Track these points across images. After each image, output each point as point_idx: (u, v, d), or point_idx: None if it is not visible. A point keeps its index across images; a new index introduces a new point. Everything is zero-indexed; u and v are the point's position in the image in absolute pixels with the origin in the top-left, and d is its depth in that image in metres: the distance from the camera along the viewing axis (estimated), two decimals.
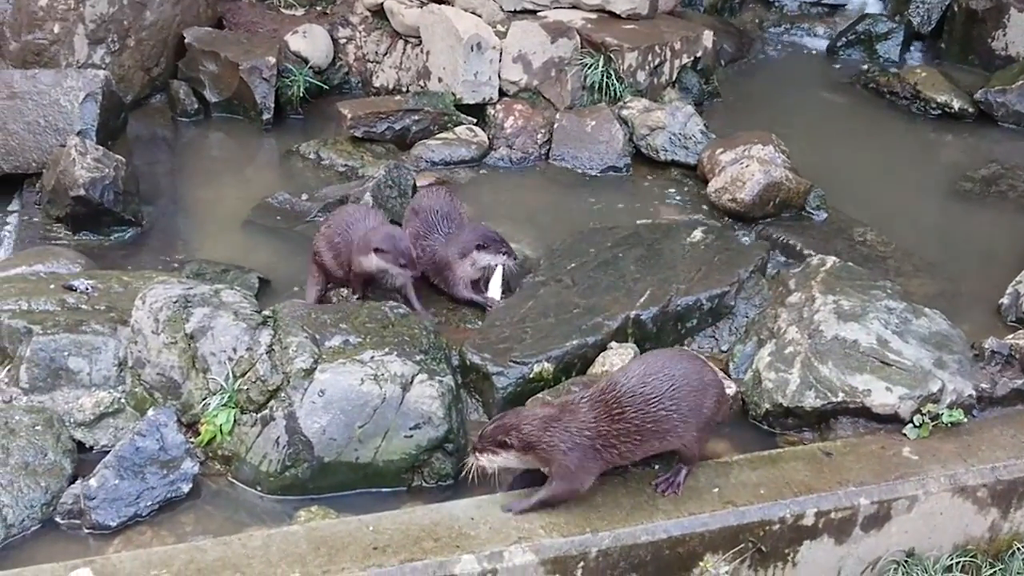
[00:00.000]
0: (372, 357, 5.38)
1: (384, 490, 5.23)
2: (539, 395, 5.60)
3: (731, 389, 5.74)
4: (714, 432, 5.10)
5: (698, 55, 9.49)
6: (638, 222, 7.35)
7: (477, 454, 4.75)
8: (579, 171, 8.36)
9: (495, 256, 6.52)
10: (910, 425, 5.49)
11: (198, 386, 5.44)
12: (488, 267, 6.55)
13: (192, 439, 5.33)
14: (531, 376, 5.73)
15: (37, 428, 5.26)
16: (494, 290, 6.54)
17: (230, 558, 4.42)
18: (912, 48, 10.99)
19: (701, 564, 4.82)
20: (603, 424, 4.65)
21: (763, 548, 4.92)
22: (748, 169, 7.56)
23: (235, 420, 5.32)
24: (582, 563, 4.66)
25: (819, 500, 5.00)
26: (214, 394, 5.38)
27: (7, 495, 4.96)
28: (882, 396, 5.52)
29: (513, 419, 4.72)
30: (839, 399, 5.58)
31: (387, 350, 5.45)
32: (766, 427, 5.77)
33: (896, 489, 5.13)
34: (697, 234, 6.83)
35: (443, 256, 6.53)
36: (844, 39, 11.02)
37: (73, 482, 5.13)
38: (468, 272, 6.55)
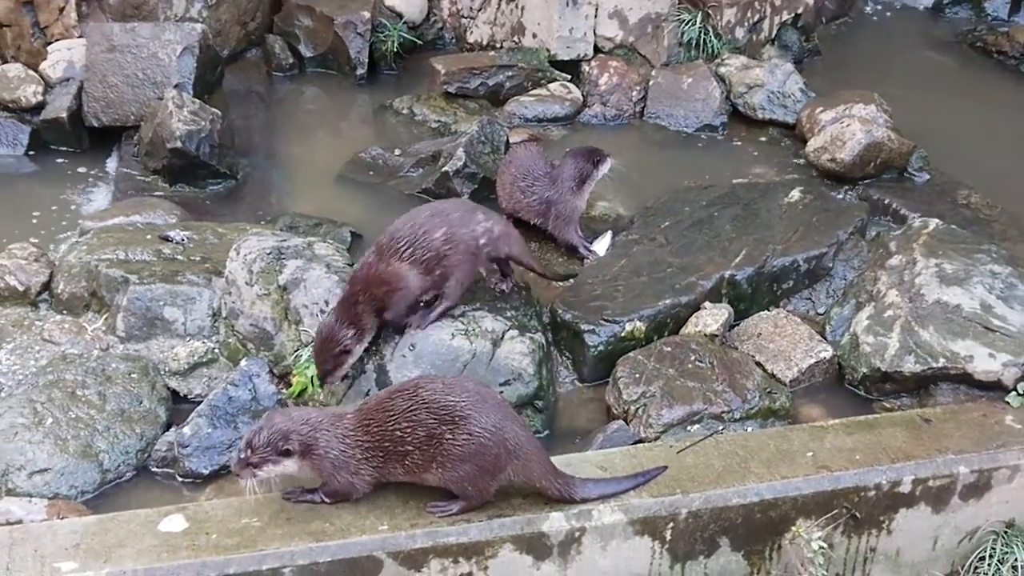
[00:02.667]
0: (463, 312, 5.37)
1: None
2: (630, 353, 5.56)
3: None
4: (489, 481, 4.47)
5: (799, 11, 9.27)
6: (734, 181, 7.23)
7: (254, 470, 4.34)
8: (674, 129, 8.24)
9: (608, 161, 6.55)
10: (1013, 393, 5.34)
11: (290, 337, 5.47)
12: (606, 175, 6.59)
13: (283, 390, 5.37)
14: (623, 335, 5.68)
15: (133, 376, 5.35)
16: (601, 246, 6.51)
17: (319, 510, 4.45)
18: (1023, 5, 10.60)
19: (793, 529, 4.75)
20: (360, 434, 4.40)
21: (857, 514, 4.83)
22: (849, 128, 7.38)
23: None
24: (671, 524, 4.62)
25: (917, 467, 4.89)
26: (306, 346, 5.40)
27: (103, 440, 5.06)
28: (984, 362, 5.38)
29: (284, 421, 4.38)
30: (939, 365, 5.45)
31: (478, 305, 5.44)
32: (862, 392, 5.66)
33: (997, 458, 4.99)
34: (795, 194, 6.70)
35: (553, 194, 6.50)
36: None
37: (167, 430, 5.23)
38: (584, 200, 6.55)
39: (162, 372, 5.48)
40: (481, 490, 4.43)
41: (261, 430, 4.31)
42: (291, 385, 5.37)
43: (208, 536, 4.33)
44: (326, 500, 4.47)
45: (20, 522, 4.55)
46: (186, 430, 5.09)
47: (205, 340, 5.61)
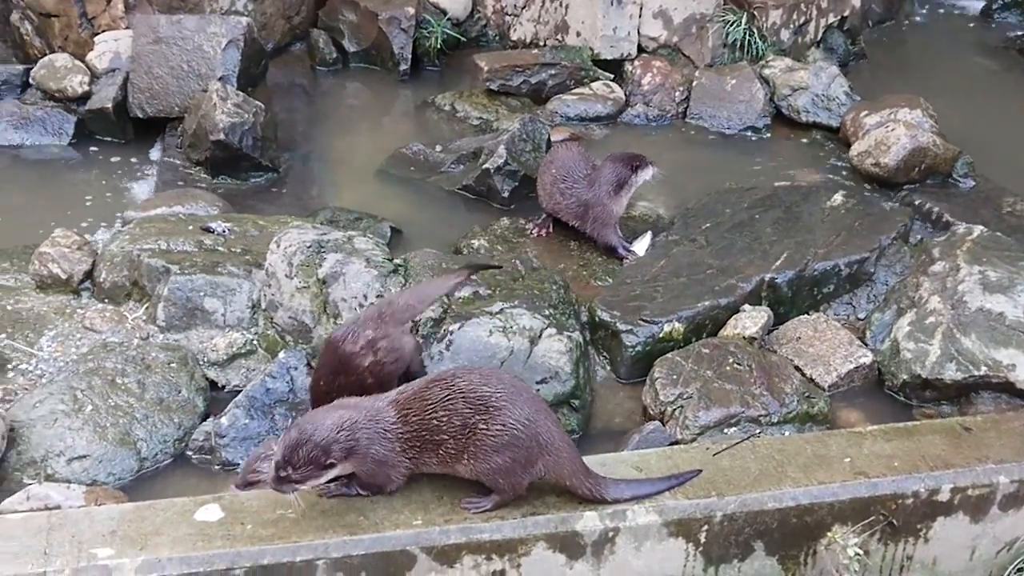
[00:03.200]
0: (501, 309, 5.38)
1: None
2: (668, 355, 5.54)
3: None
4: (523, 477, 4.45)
5: (845, 14, 9.21)
6: (776, 184, 7.20)
7: (295, 486, 4.26)
8: (717, 130, 8.22)
9: (649, 168, 6.51)
10: None
11: (328, 331, 5.48)
12: (648, 181, 6.57)
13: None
14: (661, 336, 5.67)
15: (172, 365, 5.40)
16: (641, 246, 6.51)
17: (354, 502, 4.46)
18: None
19: (829, 535, 4.71)
20: (401, 426, 4.39)
21: (895, 522, 4.78)
22: (893, 133, 7.32)
23: None
24: (706, 527, 4.59)
25: (956, 476, 4.83)
26: None
27: (142, 429, 5.10)
28: None
29: (321, 432, 4.28)
30: (981, 373, 5.39)
31: (516, 303, 5.46)
32: (902, 398, 5.62)
33: None
34: (838, 198, 6.65)
35: (591, 197, 6.48)
36: (1000, 1, 10.57)
37: (205, 419, 5.27)
38: (623, 206, 6.53)
39: (201, 362, 5.52)
40: (513, 483, 4.42)
41: (299, 446, 4.20)
42: None
43: (243, 526, 4.35)
44: (361, 493, 4.49)
45: (58, 507, 4.59)
46: (224, 420, 5.12)
47: (244, 331, 5.65)
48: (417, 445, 4.38)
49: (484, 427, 4.33)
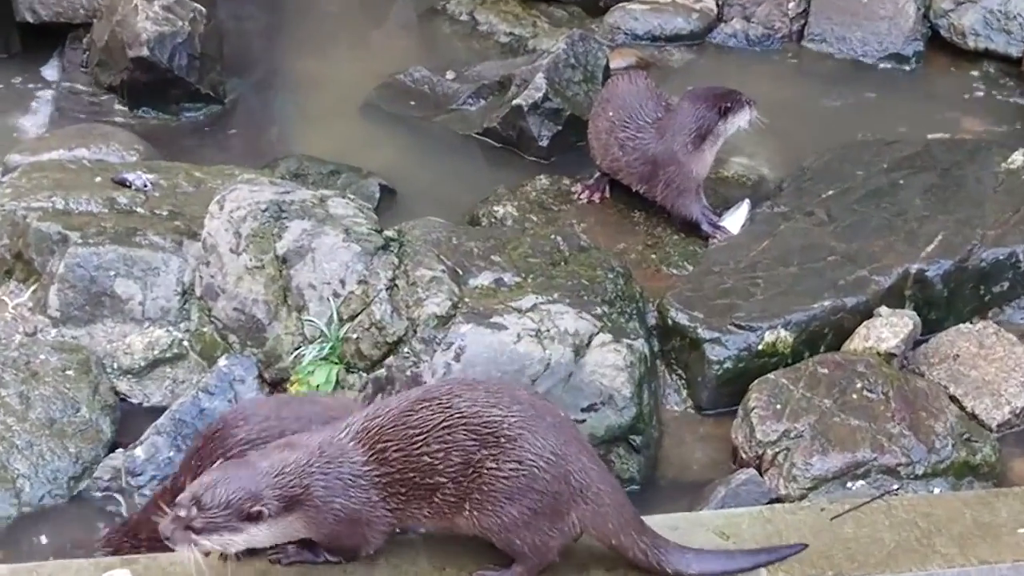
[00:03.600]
0: (534, 305, 5.39)
1: None
2: (769, 374, 5.54)
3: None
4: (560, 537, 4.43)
5: None
6: (929, 136, 7.17)
7: (197, 537, 4.14)
8: (846, 58, 8.18)
9: (746, 111, 6.52)
10: None
11: (289, 330, 5.50)
12: (744, 129, 6.58)
13: None
14: (760, 348, 5.68)
15: (68, 373, 5.42)
16: (734, 221, 6.52)
17: (321, 573, 4.48)
18: None
19: None
20: (374, 466, 4.33)
21: None
22: None
23: (337, 381, 5.38)
24: None
25: None
26: (311, 342, 5.45)
27: (23, 462, 5.11)
28: None
29: (251, 475, 4.23)
30: None
31: (556, 296, 5.46)
32: None
33: None
34: (1017, 158, 6.62)
35: (663, 151, 6.50)
36: None
37: (112, 450, 5.27)
38: (707, 164, 6.53)
39: (109, 369, 5.55)
40: (536, 544, 4.36)
41: (217, 484, 4.15)
42: None
43: None
44: (330, 559, 4.47)
45: None
46: (139, 452, 5.14)
47: (170, 328, 5.67)
48: (401, 492, 4.33)
49: (493, 465, 4.26)
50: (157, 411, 5.39)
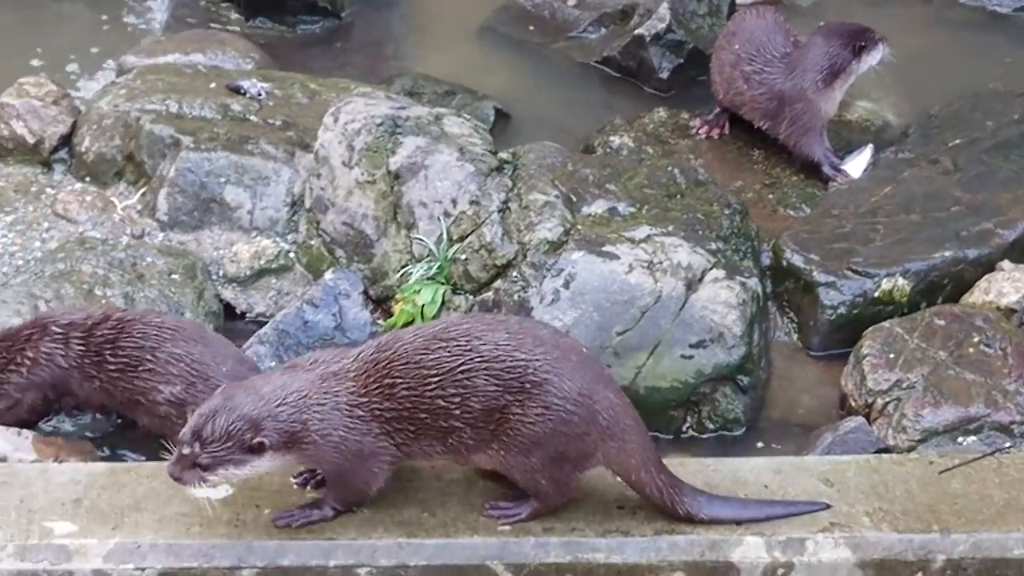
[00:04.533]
0: (648, 236, 5.36)
1: None
2: (884, 323, 5.47)
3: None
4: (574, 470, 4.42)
5: None
6: None
7: (205, 474, 4.12)
8: (980, 6, 8.00)
9: (879, 49, 6.43)
10: None
11: (397, 247, 5.52)
12: (874, 69, 6.49)
13: (381, 320, 5.43)
14: (876, 294, 5.62)
15: (174, 277, 5.47)
16: (856, 165, 6.45)
17: (415, 488, 4.49)
18: None
19: None
20: (375, 399, 4.24)
21: None
22: None
23: (443, 301, 5.39)
24: (920, 574, 4.54)
25: None
26: (419, 261, 5.47)
27: None
28: None
29: (252, 402, 4.17)
30: None
31: (671, 229, 5.42)
32: None
33: None
34: None
35: (790, 88, 6.43)
36: None
37: None
38: (835, 103, 6.47)
39: (215, 277, 5.60)
40: (559, 484, 4.37)
41: (216, 414, 4.10)
42: (392, 314, 5.43)
43: (258, 510, 4.39)
44: (339, 508, 4.41)
45: (3, 460, 4.67)
46: None
47: (278, 238, 5.70)
48: (410, 430, 4.26)
49: (520, 411, 4.22)
50: (262, 322, 5.46)
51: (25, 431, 4.88)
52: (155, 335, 4.86)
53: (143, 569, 4.22)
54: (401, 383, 4.18)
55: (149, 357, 4.83)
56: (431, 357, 4.18)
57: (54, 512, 4.33)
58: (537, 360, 4.20)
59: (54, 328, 4.89)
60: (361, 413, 4.19)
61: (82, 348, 4.87)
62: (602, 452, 4.34)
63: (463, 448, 4.27)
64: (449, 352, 4.17)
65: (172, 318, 5.07)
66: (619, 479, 4.45)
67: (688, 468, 4.64)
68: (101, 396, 4.93)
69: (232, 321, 5.55)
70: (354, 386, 4.20)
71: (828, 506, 4.56)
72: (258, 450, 4.09)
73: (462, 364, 4.17)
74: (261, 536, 4.30)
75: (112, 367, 4.85)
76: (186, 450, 4.05)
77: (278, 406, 4.12)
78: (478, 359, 4.17)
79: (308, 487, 4.45)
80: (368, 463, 4.27)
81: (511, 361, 4.19)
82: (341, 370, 4.23)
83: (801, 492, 4.60)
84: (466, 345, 4.18)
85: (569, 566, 4.36)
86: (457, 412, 4.19)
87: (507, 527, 4.39)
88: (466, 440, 4.24)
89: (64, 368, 4.88)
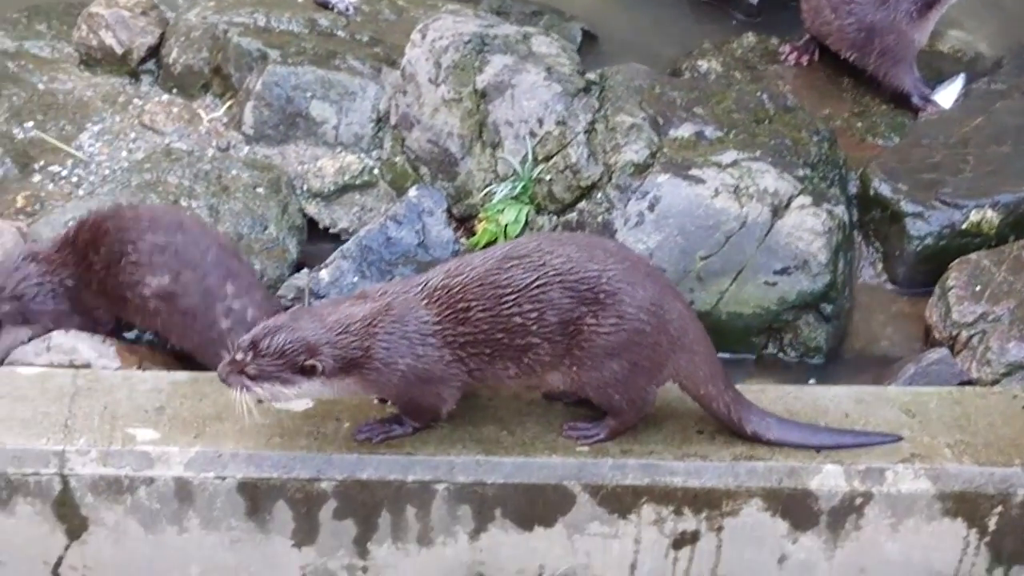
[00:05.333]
0: (735, 161, 5.33)
1: (723, 354, 5.15)
2: (971, 255, 5.42)
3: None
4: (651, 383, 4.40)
5: None
6: None
7: (249, 383, 4.15)
8: None
9: None
10: None
11: (481, 166, 5.51)
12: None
13: (463, 239, 5.45)
14: (964, 226, 5.57)
15: (259, 191, 5.49)
16: (947, 95, 6.40)
17: (494, 406, 4.51)
18: None
19: None
20: (449, 325, 4.24)
21: None
22: None
23: (527, 221, 5.39)
24: (1000, 508, 4.50)
25: None
26: (503, 180, 5.46)
27: None
28: None
29: (314, 328, 4.19)
30: None
31: (758, 154, 5.39)
32: None
33: None
34: None
35: (881, 19, 6.34)
36: None
37: (297, 270, 5.36)
38: (927, 34, 6.40)
39: (299, 191, 5.62)
40: (634, 398, 4.37)
41: (278, 331, 4.14)
42: (474, 233, 5.44)
43: (338, 423, 4.43)
44: (416, 425, 4.43)
45: (88, 366, 4.72)
46: (323, 275, 5.20)
47: (362, 154, 5.70)
48: (485, 353, 4.27)
49: (594, 321, 4.21)
50: (343, 237, 5.48)
51: (109, 339, 4.93)
52: (133, 227, 4.84)
53: (223, 478, 4.27)
54: (476, 305, 4.19)
55: (130, 249, 4.81)
56: (505, 276, 4.18)
57: (137, 419, 4.38)
58: (610, 270, 4.20)
59: (41, 253, 4.95)
60: (433, 341, 4.20)
61: (73, 259, 4.92)
62: (672, 363, 4.34)
63: (538, 366, 4.27)
64: (523, 269, 4.18)
65: (147, 208, 5.06)
66: (687, 396, 4.45)
67: (768, 395, 4.63)
68: (104, 303, 4.95)
69: (315, 236, 5.55)
70: (426, 314, 4.20)
71: (900, 438, 4.54)
72: (309, 372, 4.12)
73: (537, 279, 4.18)
74: (340, 449, 4.33)
75: (99, 267, 4.86)
76: (239, 356, 4.10)
77: (339, 333, 4.13)
78: (552, 272, 4.18)
79: (388, 402, 4.46)
80: (436, 388, 4.29)
81: (584, 272, 4.19)
82: (411, 299, 4.23)
83: (882, 422, 4.57)
84: (539, 260, 4.19)
85: (646, 488, 4.37)
86: (534, 328, 4.19)
87: (585, 448, 4.39)
88: (542, 357, 4.24)
89: (68, 286, 4.92)
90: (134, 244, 4.79)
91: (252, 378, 4.10)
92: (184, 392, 4.49)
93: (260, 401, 4.15)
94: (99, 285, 4.89)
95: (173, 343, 4.98)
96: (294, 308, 4.33)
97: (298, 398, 4.27)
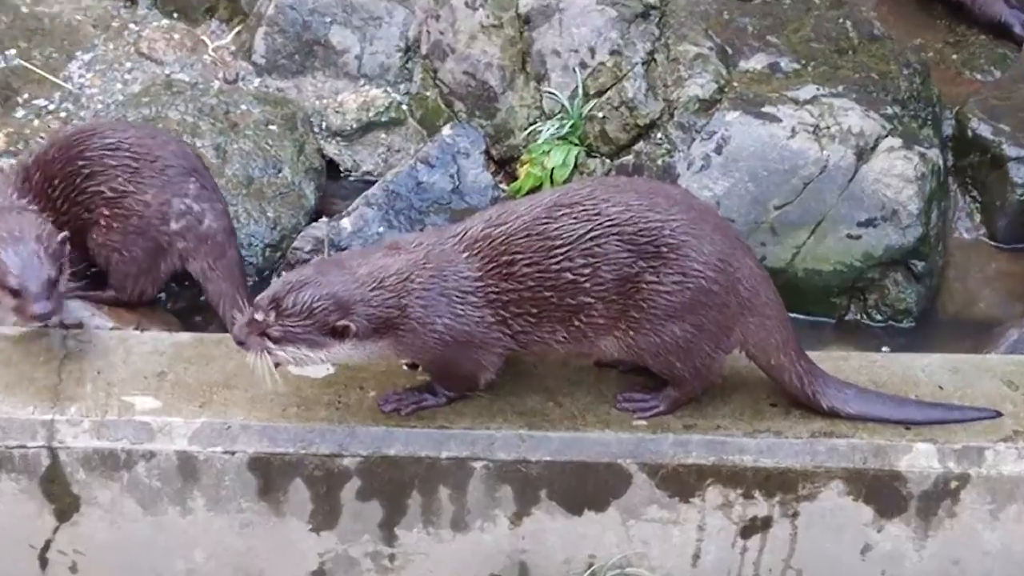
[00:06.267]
0: (814, 97, 5.31)
1: (799, 317, 5.17)
2: None
3: None
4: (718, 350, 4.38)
5: None
6: None
7: (272, 346, 4.11)
8: None
9: None
10: None
11: (524, 101, 5.50)
12: None
13: (503, 184, 5.44)
14: None
15: (271, 128, 5.49)
16: None
17: (540, 376, 4.50)
18: None
19: None
20: (491, 281, 4.21)
21: None
22: None
23: (576, 164, 5.38)
24: None
25: None
26: (549, 118, 5.45)
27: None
28: None
29: (344, 283, 4.15)
30: None
31: (841, 89, 5.38)
32: None
33: None
34: None
35: None
36: None
37: (315, 219, 5.35)
38: None
39: (316, 129, 5.62)
40: (699, 366, 4.33)
41: (304, 286, 4.08)
42: (516, 178, 5.42)
43: (363, 391, 4.41)
44: (450, 395, 4.40)
45: (80, 325, 4.72)
46: (345, 223, 5.18)
47: (388, 88, 5.69)
48: (531, 313, 4.22)
49: (654, 279, 4.17)
50: (369, 182, 5.47)
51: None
52: (77, 141, 4.87)
53: (233, 452, 4.26)
54: (522, 259, 4.14)
55: (81, 161, 4.84)
56: (555, 226, 4.14)
57: (135, 386, 4.37)
58: (673, 221, 4.16)
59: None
60: (474, 299, 4.17)
61: (44, 186, 4.91)
62: (741, 328, 4.31)
63: (590, 330, 4.24)
64: (575, 218, 4.14)
65: (95, 120, 5.16)
66: (754, 363, 4.42)
67: (852, 363, 4.62)
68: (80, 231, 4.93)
69: (336, 180, 5.56)
70: (466, 268, 4.17)
71: (1001, 414, 4.50)
72: (341, 334, 4.07)
73: (591, 230, 4.14)
74: (366, 421, 4.32)
75: (63, 188, 4.87)
76: (259, 316, 4.05)
77: (373, 289, 4.09)
78: (608, 223, 4.14)
79: (420, 368, 4.44)
80: (475, 354, 4.25)
81: (644, 223, 4.15)
82: (449, 250, 4.19)
83: (980, 396, 4.54)
84: (593, 209, 4.15)
85: (712, 468, 4.36)
86: (587, 285, 4.16)
87: (642, 421, 4.38)
88: (595, 319, 4.21)
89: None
90: (83, 154, 4.81)
91: (275, 341, 4.05)
92: (188, 355, 4.48)
93: (278, 365, 4.10)
94: (70, 211, 4.89)
95: (118, 262, 4.96)
96: (319, 259, 4.30)
97: (325, 363, 4.24)
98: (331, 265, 4.16)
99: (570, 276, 4.13)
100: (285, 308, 4.02)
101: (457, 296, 4.14)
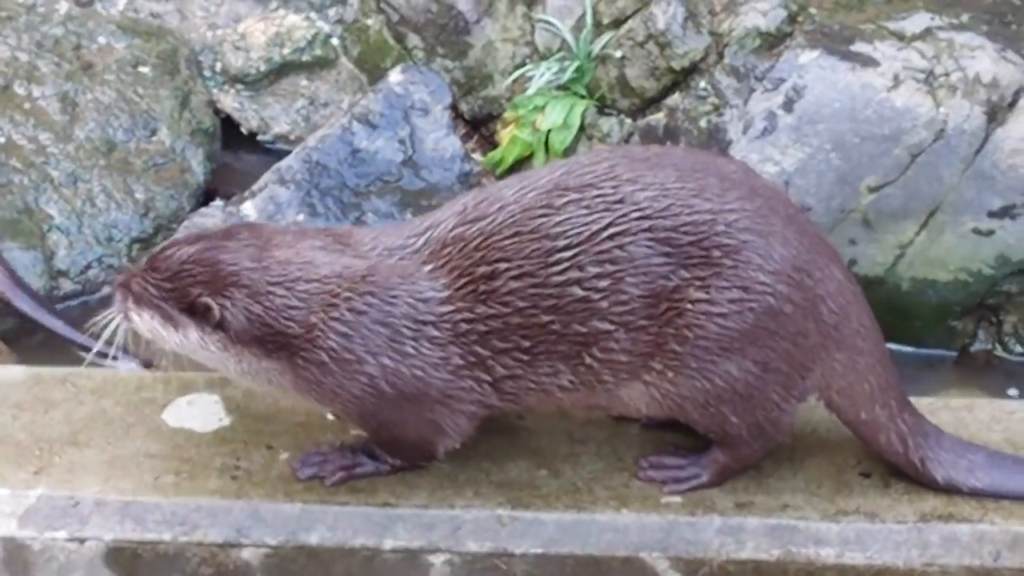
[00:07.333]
0: (927, 30, 5.31)
1: (903, 349, 5.19)
2: None
3: None
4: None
5: None
6: None
7: (132, 305, 4.26)
8: None
9: None
10: None
11: (509, 34, 5.50)
12: None
13: (479, 154, 5.42)
14: None
15: (142, 71, 5.53)
16: None
17: (525, 431, 4.51)
18: None
19: None
20: (463, 304, 4.16)
21: None
22: None
23: (583, 124, 5.40)
24: None
25: None
26: (544, 58, 5.50)
27: (60, 206, 5.23)
28: None
29: (240, 256, 4.23)
30: None
31: (964, 20, 5.41)
32: None
33: None
34: None
35: None
36: None
37: (207, 202, 5.42)
38: None
39: (208, 72, 5.63)
40: (761, 420, 4.33)
41: (187, 245, 4.23)
42: (496, 145, 5.42)
43: (270, 452, 4.46)
44: (391, 463, 4.41)
45: None
46: (248, 208, 5.21)
47: (313, 13, 5.69)
48: (521, 348, 4.18)
49: (703, 296, 4.15)
50: (281, 149, 5.47)
51: None
52: None
53: (82, 540, 4.25)
54: (507, 269, 4.11)
55: None
56: (556, 219, 4.11)
57: None
58: (730, 212, 4.13)
59: None
60: (434, 333, 4.15)
61: None
62: (822, 367, 4.30)
63: (607, 372, 4.21)
64: (586, 208, 4.11)
65: None
66: (838, 417, 4.43)
67: (979, 415, 4.72)
68: None
69: (235, 147, 5.56)
70: (428, 287, 4.14)
71: None
72: (200, 315, 4.12)
73: (610, 225, 4.10)
74: (274, 495, 4.34)
75: None
76: (137, 268, 4.21)
77: (275, 283, 4.11)
78: (635, 214, 4.10)
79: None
80: (431, 413, 4.25)
81: (688, 215, 4.11)
82: (403, 256, 4.19)
83: None
84: (613, 194, 4.12)
85: (777, 565, 4.36)
86: (603, 305, 4.12)
87: (676, 497, 4.40)
88: (615, 355, 4.17)
89: None
90: None
91: (136, 299, 4.15)
92: (19, 399, 4.52)
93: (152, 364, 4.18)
94: None
95: None
96: (245, 223, 4.33)
97: (175, 349, 4.25)
98: (245, 231, 4.20)
99: (579, 292, 4.10)
100: (157, 263, 4.14)
101: (408, 327, 4.13)
